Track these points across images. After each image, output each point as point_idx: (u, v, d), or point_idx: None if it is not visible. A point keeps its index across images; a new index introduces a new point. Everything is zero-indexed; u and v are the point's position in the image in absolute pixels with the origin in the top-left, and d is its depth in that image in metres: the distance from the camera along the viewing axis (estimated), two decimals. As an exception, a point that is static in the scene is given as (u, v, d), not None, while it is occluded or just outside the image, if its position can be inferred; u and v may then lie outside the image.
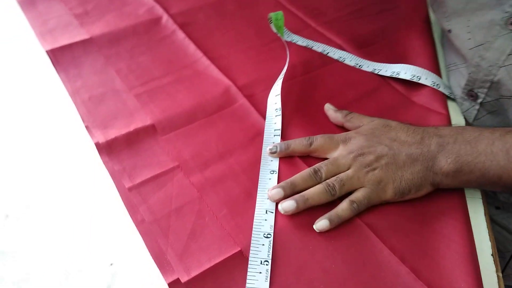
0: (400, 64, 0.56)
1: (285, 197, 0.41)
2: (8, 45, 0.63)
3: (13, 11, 0.68)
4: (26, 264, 0.38)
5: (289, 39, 0.62)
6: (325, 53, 0.59)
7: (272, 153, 0.45)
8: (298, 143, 0.45)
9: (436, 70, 0.57)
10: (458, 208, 0.42)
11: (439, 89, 0.53)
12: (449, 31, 0.52)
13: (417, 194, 0.41)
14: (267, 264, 0.36)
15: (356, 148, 0.42)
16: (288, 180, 0.42)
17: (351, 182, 0.40)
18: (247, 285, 0.35)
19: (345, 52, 0.59)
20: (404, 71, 0.55)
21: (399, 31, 0.65)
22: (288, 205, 0.40)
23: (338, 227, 0.39)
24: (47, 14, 0.66)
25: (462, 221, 0.40)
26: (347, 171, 0.41)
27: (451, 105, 0.53)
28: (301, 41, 0.62)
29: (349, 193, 0.41)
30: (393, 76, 0.55)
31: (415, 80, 0.53)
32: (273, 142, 0.47)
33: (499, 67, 0.46)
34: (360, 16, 0.68)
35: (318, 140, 0.44)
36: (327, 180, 0.41)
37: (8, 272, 0.38)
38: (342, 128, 0.49)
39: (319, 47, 0.60)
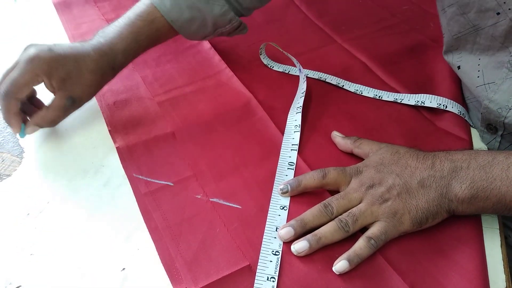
0: (424, 94, 0.54)
1: (296, 236, 0.39)
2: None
3: (49, 14, 0.70)
4: (43, 263, 0.39)
5: (302, 74, 0.57)
6: (340, 85, 0.57)
7: (284, 193, 0.43)
8: (309, 178, 0.43)
9: (461, 96, 0.56)
10: (474, 237, 0.41)
11: (464, 118, 0.52)
12: (458, 67, 0.52)
13: (434, 222, 0.40)
14: (273, 281, 0.37)
15: (367, 181, 0.41)
16: (298, 217, 0.40)
17: (364, 216, 0.39)
18: None
19: (361, 86, 0.57)
20: (429, 100, 0.53)
21: (427, 52, 0.64)
22: (301, 246, 0.38)
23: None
24: (81, 18, 0.69)
25: (477, 251, 0.40)
26: (359, 205, 0.40)
27: (474, 132, 0.52)
28: (311, 73, 0.59)
29: (365, 228, 0.40)
30: (418, 105, 0.53)
31: (441, 108, 0.52)
32: (289, 157, 0.47)
33: (508, 109, 0.45)
34: (387, 34, 0.68)
35: (331, 174, 0.43)
36: (340, 216, 0.39)
37: (25, 270, 0.39)
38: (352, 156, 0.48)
39: (332, 79, 0.58)
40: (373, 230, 0.39)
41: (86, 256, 0.40)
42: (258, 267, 0.38)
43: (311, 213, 0.40)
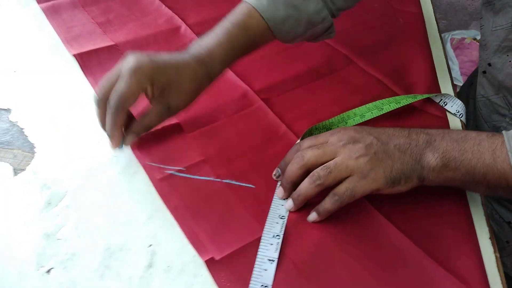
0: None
1: (288, 194, 0.44)
2: (34, 50, 0.66)
3: (38, 19, 0.71)
4: (71, 246, 0.41)
5: None
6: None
7: (277, 177, 0.47)
8: (288, 153, 0.46)
9: (434, 81, 0.62)
10: (461, 200, 0.46)
11: (461, 118, 0.57)
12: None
13: (405, 186, 0.42)
14: (278, 238, 0.41)
15: (345, 138, 0.43)
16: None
17: (339, 169, 0.41)
18: (258, 253, 0.40)
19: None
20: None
21: (400, 44, 0.70)
22: (288, 204, 0.43)
23: (355, 214, 0.44)
24: (71, 22, 0.71)
25: (464, 210, 0.45)
26: (336, 159, 0.41)
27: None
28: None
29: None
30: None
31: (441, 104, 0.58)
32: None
33: None
34: (363, 29, 0.74)
35: (305, 142, 0.45)
36: (314, 170, 0.41)
37: (54, 253, 0.41)
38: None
39: None
40: (340, 187, 0.41)
41: (112, 236, 0.42)
42: (265, 226, 0.42)
43: (289, 168, 0.43)
